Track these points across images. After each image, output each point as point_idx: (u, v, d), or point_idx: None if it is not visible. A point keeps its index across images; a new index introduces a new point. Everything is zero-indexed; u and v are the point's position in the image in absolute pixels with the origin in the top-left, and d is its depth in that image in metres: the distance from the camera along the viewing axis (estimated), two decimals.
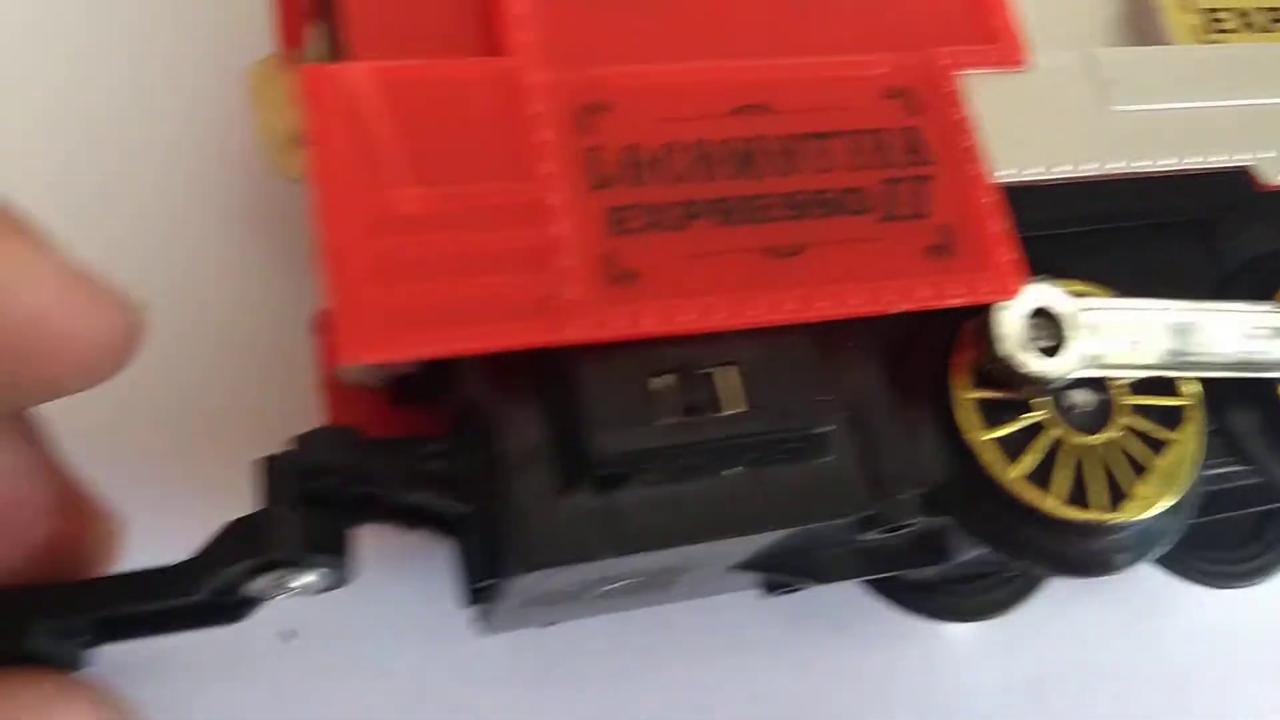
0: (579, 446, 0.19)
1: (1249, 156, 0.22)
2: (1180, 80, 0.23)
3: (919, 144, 0.21)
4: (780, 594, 0.25)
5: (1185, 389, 0.22)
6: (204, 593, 0.20)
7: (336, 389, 0.25)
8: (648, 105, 0.20)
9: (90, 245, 0.26)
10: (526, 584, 0.20)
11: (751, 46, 0.21)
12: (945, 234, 0.20)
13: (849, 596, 0.27)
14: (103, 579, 0.21)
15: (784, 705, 0.26)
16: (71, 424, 0.23)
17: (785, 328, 0.20)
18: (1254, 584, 0.27)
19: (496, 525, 0.20)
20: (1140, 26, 0.25)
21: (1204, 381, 0.22)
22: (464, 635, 0.25)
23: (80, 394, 0.20)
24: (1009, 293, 0.20)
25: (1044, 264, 0.21)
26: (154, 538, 0.23)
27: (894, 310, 0.20)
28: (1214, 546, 0.27)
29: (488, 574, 0.20)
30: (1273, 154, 0.22)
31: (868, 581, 0.26)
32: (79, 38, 0.28)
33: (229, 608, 0.21)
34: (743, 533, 0.20)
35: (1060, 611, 0.28)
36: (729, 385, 0.19)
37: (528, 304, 0.19)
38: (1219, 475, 0.23)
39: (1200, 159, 0.22)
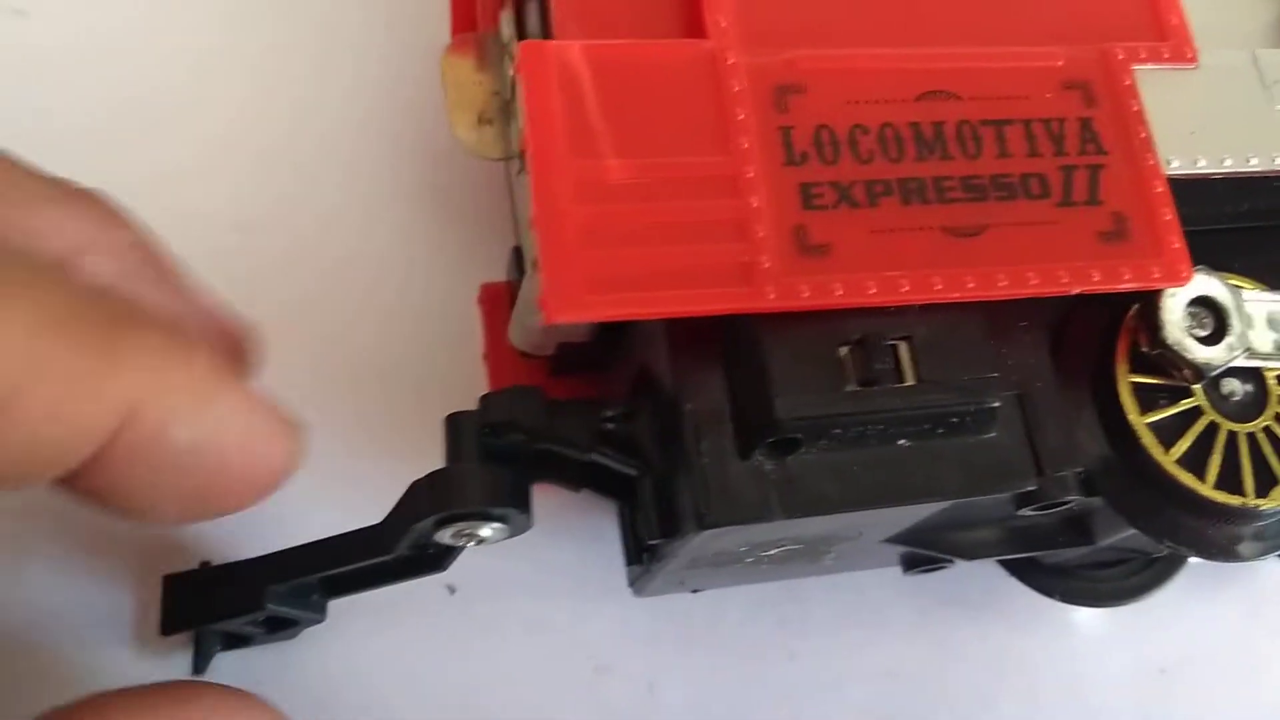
0: (763, 410, 0.20)
1: None
2: None
3: (1094, 134, 0.22)
4: (918, 573, 0.26)
5: None
6: (400, 549, 0.21)
7: (500, 357, 0.26)
8: (839, 88, 0.21)
9: (287, 220, 0.28)
10: (699, 542, 0.21)
11: (937, 35, 0.22)
12: (1119, 221, 0.21)
13: (983, 580, 0.27)
14: (315, 545, 0.22)
15: (917, 682, 0.27)
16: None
17: (958, 305, 0.21)
18: None
19: (674, 485, 0.21)
20: None
21: None
22: (611, 597, 0.26)
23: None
24: (1180, 279, 0.21)
25: (1204, 258, 0.22)
26: (326, 489, 0.24)
27: (1070, 292, 0.21)
28: None
29: (661, 533, 0.21)
30: None
31: (1006, 565, 0.27)
32: (272, 31, 0.30)
33: (431, 558, 0.22)
34: (909, 501, 0.20)
35: (1191, 602, 0.29)
36: (904, 359, 0.20)
37: (728, 271, 0.20)
38: None
39: None
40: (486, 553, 0.26)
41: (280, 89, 0.29)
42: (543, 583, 0.26)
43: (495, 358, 0.27)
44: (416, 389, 0.26)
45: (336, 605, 0.25)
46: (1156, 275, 0.21)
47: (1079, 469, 0.21)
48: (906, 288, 0.20)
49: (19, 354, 0.16)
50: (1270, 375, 0.22)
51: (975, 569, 0.27)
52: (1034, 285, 0.20)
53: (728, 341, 0.20)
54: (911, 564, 0.26)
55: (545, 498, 0.26)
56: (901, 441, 0.20)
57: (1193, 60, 0.23)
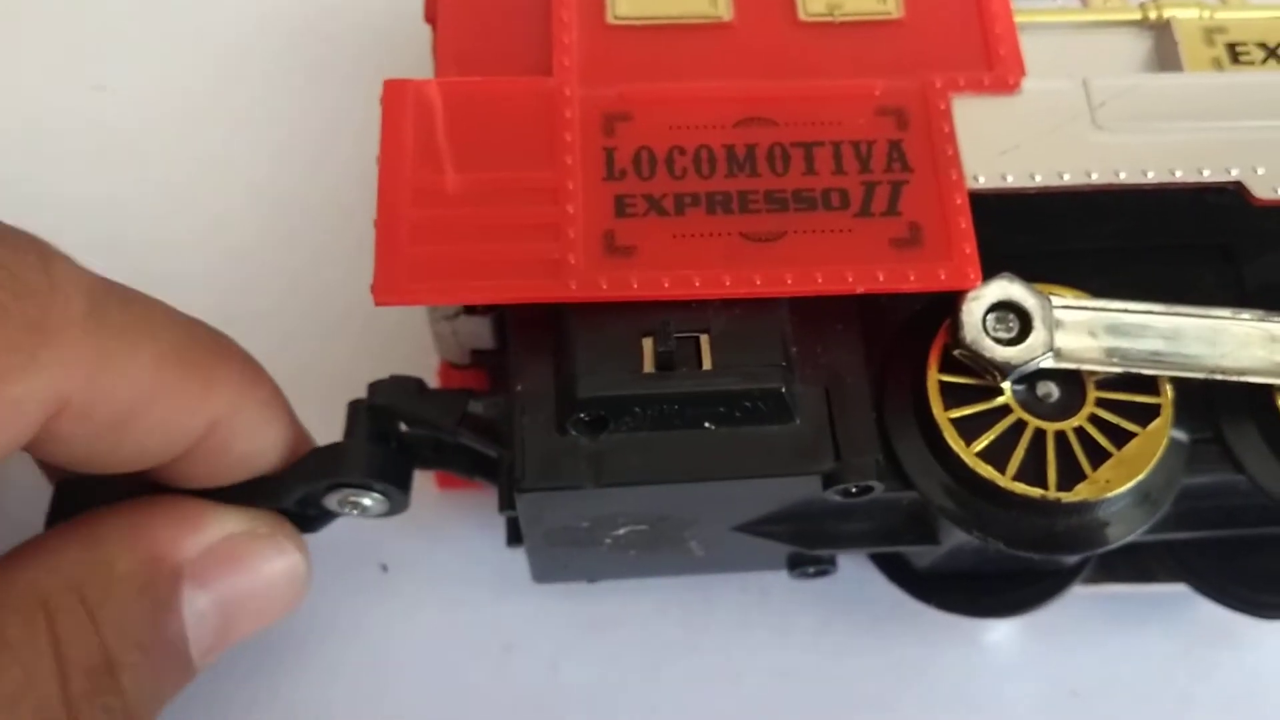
0: (570, 389, 0.22)
1: (1241, 172, 0.24)
2: (1175, 103, 0.24)
3: (902, 154, 0.24)
4: (802, 576, 0.28)
5: (1162, 389, 0.23)
6: (288, 502, 0.25)
7: (449, 371, 0.30)
8: (662, 116, 0.24)
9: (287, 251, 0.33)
10: (526, 508, 0.23)
11: (768, 70, 0.25)
12: (914, 230, 0.23)
13: (891, 595, 0.28)
14: (235, 486, 0.26)
15: (814, 684, 0.29)
16: None
17: (760, 305, 0.23)
18: None
19: (510, 460, 0.24)
20: (1165, 63, 0.26)
21: (1207, 389, 0.23)
22: (526, 586, 0.29)
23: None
24: (967, 283, 0.23)
25: (1065, 277, 0.24)
26: None
27: (854, 291, 0.23)
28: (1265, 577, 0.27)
29: (504, 505, 0.24)
30: (1263, 170, 0.24)
31: (891, 576, 0.28)
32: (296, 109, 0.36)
33: (310, 519, 0.26)
34: (709, 478, 0.23)
35: (1117, 631, 0.29)
36: (704, 350, 0.23)
37: (538, 266, 0.23)
38: (1216, 487, 0.24)
39: (1191, 172, 0.24)
40: (420, 539, 0.30)
41: (296, 151, 0.34)
42: (466, 569, 0.29)
43: (445, 372, 0.30)
44: None
45: None
46: (943, 278, 0.23)
47: (878, 455, 0.23)
48: (697, 283, 0.23)
49: (145, 380, 0.21)
50: (1090, 380, 0.23)
51: (883, 583, 0.28)
52: (820, 285, 0.23)
53: (555, 333, 0.23)
54: (792, 565, 0.27)
55: (476, 495, 0.29)
56: (706, 425, 0.23)
57: (1015, 87, 0.25)
